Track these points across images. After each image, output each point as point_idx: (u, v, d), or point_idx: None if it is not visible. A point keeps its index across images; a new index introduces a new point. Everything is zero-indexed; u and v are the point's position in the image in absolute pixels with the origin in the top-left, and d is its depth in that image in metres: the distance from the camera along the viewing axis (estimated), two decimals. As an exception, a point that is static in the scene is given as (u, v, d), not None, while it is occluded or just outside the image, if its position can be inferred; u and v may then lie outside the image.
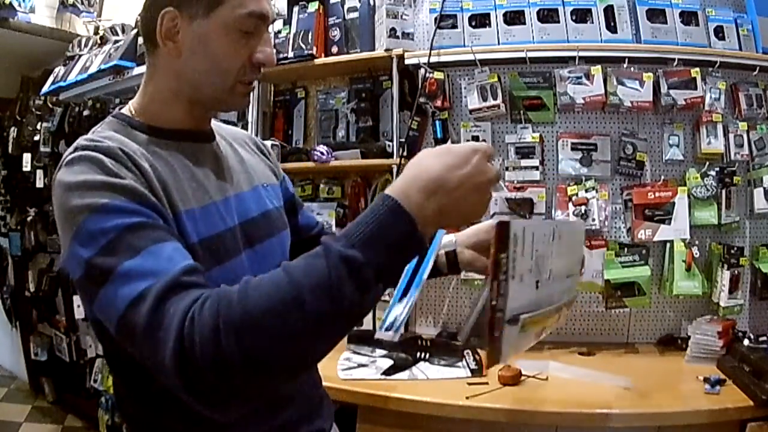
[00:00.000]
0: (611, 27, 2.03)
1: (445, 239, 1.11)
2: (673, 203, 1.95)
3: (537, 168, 2.05)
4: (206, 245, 0.83)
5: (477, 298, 1.00)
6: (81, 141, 0.83)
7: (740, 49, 2.03)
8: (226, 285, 0.69)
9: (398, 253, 0.66)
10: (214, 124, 1.01)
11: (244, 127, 2.46)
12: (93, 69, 2.77)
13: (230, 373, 0.62)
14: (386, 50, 2.15)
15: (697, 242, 1.98)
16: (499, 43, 2.08)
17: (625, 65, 1.99)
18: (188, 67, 0.87)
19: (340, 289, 0.62)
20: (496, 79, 2.07)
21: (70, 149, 0.82)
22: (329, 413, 1.08)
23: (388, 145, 2.18)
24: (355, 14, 2.30)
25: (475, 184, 0.68)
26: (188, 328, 0.63)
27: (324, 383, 1.11)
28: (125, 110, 0.92)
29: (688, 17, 2.04)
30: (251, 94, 0.93)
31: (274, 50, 0.91)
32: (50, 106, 3.31)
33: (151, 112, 0.90)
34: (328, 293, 0.62)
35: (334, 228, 2.26)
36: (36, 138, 3.37)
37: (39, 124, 3.37)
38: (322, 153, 2.22)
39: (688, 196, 1.96)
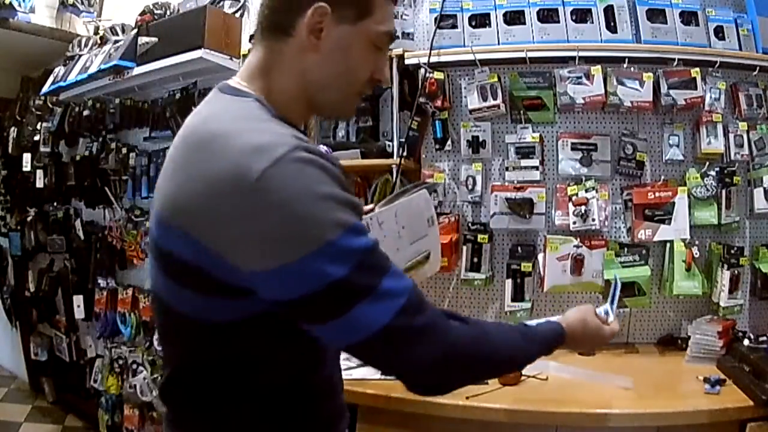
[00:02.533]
0: (611, 27, 2.03)
1: None
2: (673, 203, 1.95)
3: (537, 168, 2.05)
4: None
5: None
6: (291, 140, 0.76)
7: (740, 49, 2.03)
8: None
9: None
10: None
11: (244, 127, 2.46)
12: (93, 69, 2.77)
13: (459, 382, 0.90)
14: (386, 50, 2.14)
15: (697, 242, 1.98)
16: (499, 43, 2.08)
17: (625, 65, 1.99)
18: (322, 66, 0.87)
19: (532, 358, 1.00)
20: (496, 79, 2.07)
21: (284, 146, 0.75)
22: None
23: (388, 145, 2.18)
24: (356, 14, 2.29)
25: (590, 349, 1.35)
26: (455, 341, 0.84)
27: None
28: (252, 92, 0.87)
29: (688, 17, 2.03)
30: None
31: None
32: (50, 106, 3.31)
33: (279, 105, 0.87)
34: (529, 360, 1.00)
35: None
36: (36, 138, 3.37)
37: (39, 124, 3.38)
38: (322, 153, 2.21)
39: (688, 196, 1.96)
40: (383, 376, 1.68)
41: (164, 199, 0.81)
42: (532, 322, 1.04)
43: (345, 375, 1.14)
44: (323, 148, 2.21)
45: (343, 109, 0.95)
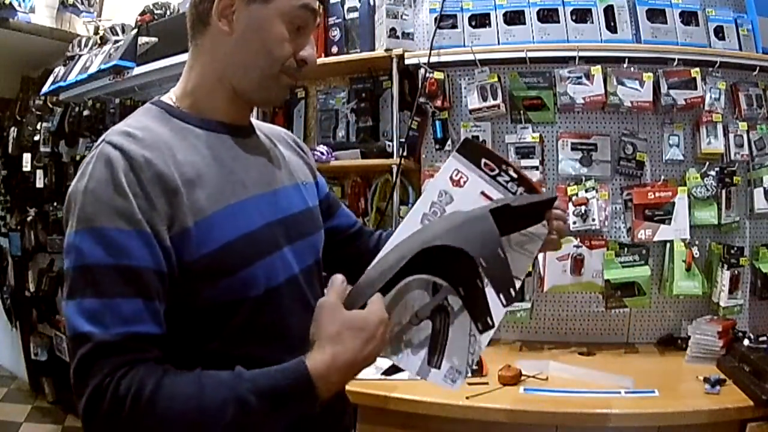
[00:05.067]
0: (611, 27, 2.03)
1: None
2: (673, 203, 1.95)
3: (537, 168, 2.05)
4: (236, 246, 0.84)
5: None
6: (113, 132, 0.82)
7: (740, 49, 2.03)
8: (260, 283, 0.84)
9: (288, 412, 0.76)
10: (254, 121, 1.01)
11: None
12: (93, 69, 2.77)
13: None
14: (386, 50, 2.15)
15: (697, 242, 1.99)
16: (499, 43, 2.08)
17: (625, 65, 1.99)
18: (238, 47, 0.87)
19: (228, 423, 0.72)
20: (496, 79, 2.07)
21: (104, 136, 0.82)
22: (347, 422, 1.12)
23: (388, 145, 2.18)
24: (355, 14, 2.30)
25: (373, 355, 0.83)
26: (101, 393, 0.71)
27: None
28: (166, 98, 0.92)
29: (688, 17, 2.04)
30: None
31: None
32: (50, 106, 3.31)
33: (192, 100, 0.90)
34: (217, 423, 0.72)
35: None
36: (36, 138, 3.37)
37: (39, 124, 3.38)
38: (322, 153, 2.22)
39: (688, 196, 1.96)
40: (384, 376, 1.69)
41: None
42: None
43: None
44: (322, 149, 2.21)
45: (268, 92, 0.92)
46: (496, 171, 0.99)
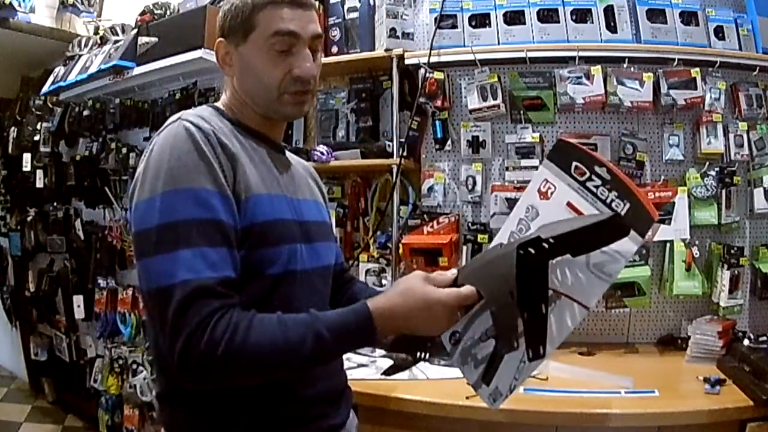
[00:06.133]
0: (611, 27, 2.03)
1: None
2: (673, 203, 1.95)
3: (537, 168, 2.04)
4: (270, 226, 0.96)
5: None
6: (186, 114, 0.96)
7: (740, 49, 2.03)
8: (282, 263, 0.96)
9: (353, 344, 0.95)
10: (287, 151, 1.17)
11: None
12: (93, 69, 2.77)
13: (213, 377, 0.86)
14: (386, 50, 2.15)
15: (697, 242, 1.98)
16: (499, 43, 2.08)
17: (625, 65, 1.99)
18: (240, 84, 1.03)
19: (308, 356, 0.88)
20: (496, 79, 2.07)
21: (175, 117, 0.95)
22: (348, 404, 1.16)
23: (388, 145, 2.18)
24: (355, 14, 2.30)
25: (429, 326, 0.92)
26: (200, 334, 0.82)
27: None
28: (218, 104, 1.07)
29: (688, 17, 2.04)
30: (304, 103, 1.04)
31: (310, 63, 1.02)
32: (50, 106, 3.31)
33: (234, 110, 1.05)
34: (299, 355, 0.87)
35: (334, 228, 2.26)
36: (36, 138, 3.37)
37: (39, 124, 3.38)
38: (322, 153, 2.22)
39: (688, 196, 1.96)
40: (384, 377, 1.69)
41: None
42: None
43: (345, 375, 1.15)
44: (322, 149, 2.21)
45: (280, 110, 1.03)
46: (587, 174, 0.93)
